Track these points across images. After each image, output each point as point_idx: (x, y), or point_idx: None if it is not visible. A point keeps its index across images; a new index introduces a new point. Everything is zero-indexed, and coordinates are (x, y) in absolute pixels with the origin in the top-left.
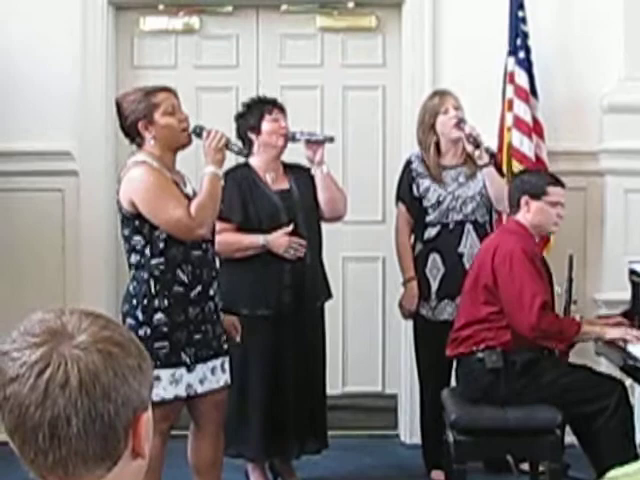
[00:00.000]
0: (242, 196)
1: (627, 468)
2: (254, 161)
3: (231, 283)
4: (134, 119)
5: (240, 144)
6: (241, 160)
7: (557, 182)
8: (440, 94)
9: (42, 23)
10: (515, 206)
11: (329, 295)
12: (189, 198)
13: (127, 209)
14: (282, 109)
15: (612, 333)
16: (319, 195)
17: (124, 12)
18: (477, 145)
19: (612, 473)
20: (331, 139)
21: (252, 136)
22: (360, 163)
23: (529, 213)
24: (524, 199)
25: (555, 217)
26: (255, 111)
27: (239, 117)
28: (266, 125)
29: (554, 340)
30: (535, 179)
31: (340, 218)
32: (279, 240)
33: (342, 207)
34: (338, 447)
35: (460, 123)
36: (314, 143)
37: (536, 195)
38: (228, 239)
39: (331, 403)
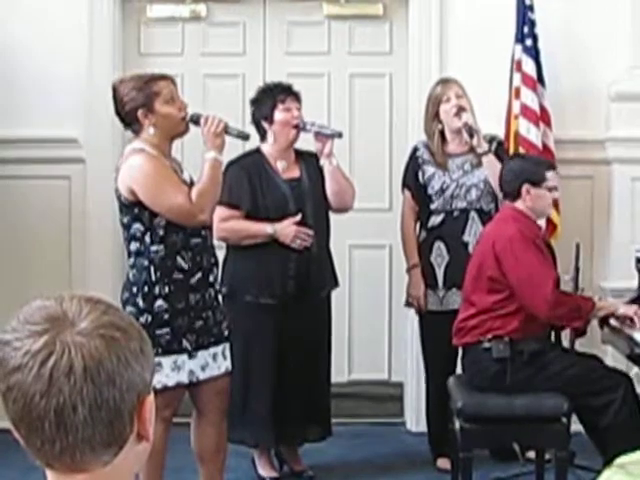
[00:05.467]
0: (251, 184)
1: (636, 455)
2: (266, 148)
3: (236, 269)
4: (133, 106)
5: (239, 127)
6: (252, 146)
7: (552, 167)
8: (443, 82)
9: (50, 11)
10: (514, 194)
11: (336, 284)
12: (187, 185)
13: (126, 197)
14: (297, 96)
15: (624, 308)
16: (327, 187)
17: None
18: (471, 134)
19: (620, 460)
20: (339, 135)
21: (265, 125)
22: (367, 151)
23: (530, 201)
24: (525, 187)
25: (551, 200)
26: (268, 100)
27: (253, 102)
28: (278, 115)
29: (571, 318)
30: (534, 166)
31: (347, 210)
32: (286, 230)
33: (349, 199)
34: (344, 435)
35: (459, 112)
36: (323, 136)
37: (537, 182)
38: (236, 226)
39: (337, 391)
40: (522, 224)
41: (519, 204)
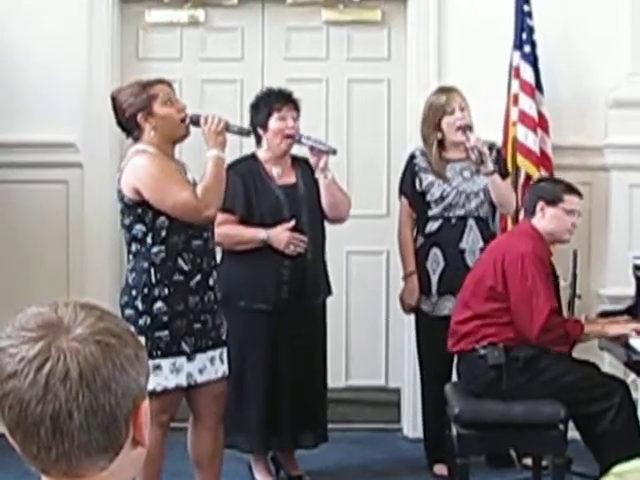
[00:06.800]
0: (246, 190)
1: (633, 463)
2: (262, 154)
3: (230, 275)
4: (133, 111)
5: (239, 124)
6: (248, 151)
7: (574, 191)
8: (447, 92)
9: (48, 15)
10: (531, 211)
11: (329, 292)
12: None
13: (130, 197)
14: (295, 105)
15: (614, 330)
16: (322, 200)
17: (129, 4)
18: (481, 160)
19: (617, 468)
20: (334, 151)
21: (260, 132)
22: (364, 157)
23: (544, 219)
24: (540, 205)
25: (569, 225)
26: (265, 107)
27: (252, 107)
28: (273, 124)
29: (557, 344)
30: (552, 186)
31: (342, 221)
32: (280, 235)
33: (345, 211)
34: (341, 440)
35: (466, 131)
36: (317, 151)
37: (552, 201)
38: (229, 232)
39: (334, 396)
40: (537, 243)
41: (536, 222)
